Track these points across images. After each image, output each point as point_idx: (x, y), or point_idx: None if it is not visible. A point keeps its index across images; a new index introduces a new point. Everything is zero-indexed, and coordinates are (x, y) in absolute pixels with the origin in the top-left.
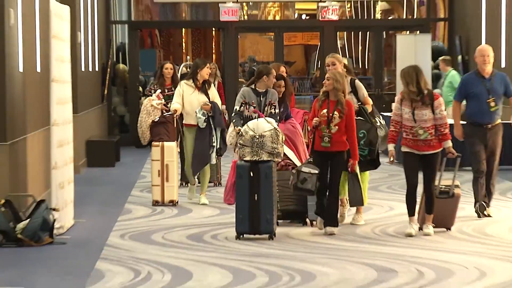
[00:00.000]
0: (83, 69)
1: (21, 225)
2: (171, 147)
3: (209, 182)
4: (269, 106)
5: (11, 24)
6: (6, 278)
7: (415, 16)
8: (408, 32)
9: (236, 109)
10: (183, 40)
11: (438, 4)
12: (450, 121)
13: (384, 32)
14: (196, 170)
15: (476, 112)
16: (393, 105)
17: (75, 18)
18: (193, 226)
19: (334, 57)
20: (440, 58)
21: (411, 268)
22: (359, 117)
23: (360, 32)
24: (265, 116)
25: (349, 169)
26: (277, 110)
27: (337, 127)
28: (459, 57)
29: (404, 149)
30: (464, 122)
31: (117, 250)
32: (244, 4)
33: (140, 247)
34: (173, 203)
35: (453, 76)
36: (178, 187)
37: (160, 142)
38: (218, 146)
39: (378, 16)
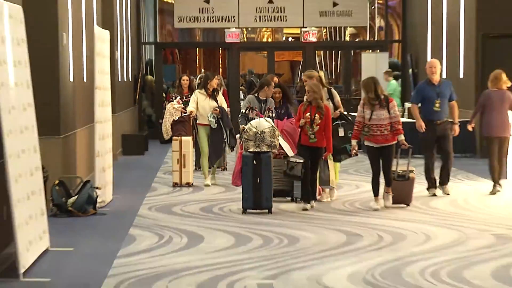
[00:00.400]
0: (119, 79)
1: (71, 200)
2: (188, 140)
3: (217, 167)
4: (267, 111)
5: (64, 44)
6: (59, 241)
7: (376, 39)
8: (370, 51)
9: (242, 111)
10: (197, 57)
11: (393, 29)
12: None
13: (352, 51)
14: (212, 162)
15: (428, 111)
16: (358, 108)
17: (114, 40)
18: (204, 201)
19: (305, 75)
20: (384, 71)
21: (373, 233)
22: (343, 121)
23: (333, 51)
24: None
25: (323, 157)
26: (273, 115)
27: (318, 126)
28: (410, 70)
29: (366, 143)
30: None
31: (145, 219)
32: (244, 29)
33: (164, 217)
34: (188, 184)
35: (390, 85)
36: (193, 172)
37: (179, 137)
38: (228, 141)
39: (347, 38)
